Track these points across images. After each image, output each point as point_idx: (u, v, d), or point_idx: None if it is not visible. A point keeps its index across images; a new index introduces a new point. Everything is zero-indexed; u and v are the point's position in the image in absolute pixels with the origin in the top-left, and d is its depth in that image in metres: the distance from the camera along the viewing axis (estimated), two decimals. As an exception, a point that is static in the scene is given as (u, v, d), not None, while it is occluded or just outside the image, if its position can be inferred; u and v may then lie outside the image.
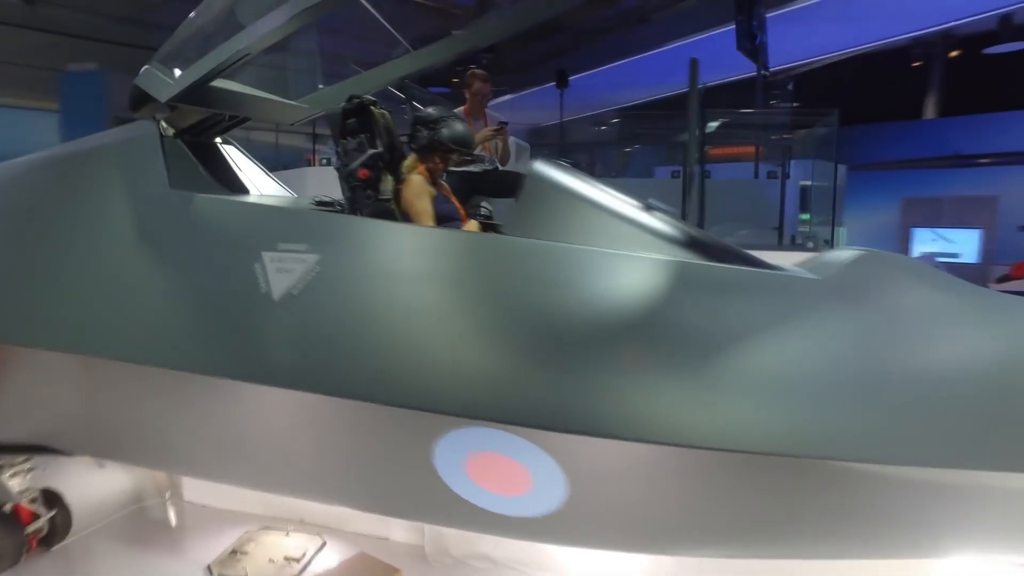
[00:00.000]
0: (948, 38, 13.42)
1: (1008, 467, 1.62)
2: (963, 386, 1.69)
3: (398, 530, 3.52)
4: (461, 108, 4.09)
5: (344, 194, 2.29)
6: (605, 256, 1.78)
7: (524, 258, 1.80)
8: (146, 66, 2.36)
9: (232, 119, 2.54)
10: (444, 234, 2.00)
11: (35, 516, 3.25)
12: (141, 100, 2.43)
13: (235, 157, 2.72)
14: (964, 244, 14.36)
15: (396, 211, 2.25)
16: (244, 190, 2.55)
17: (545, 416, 1.73)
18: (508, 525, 2.04)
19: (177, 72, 2.27)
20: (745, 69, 12.09)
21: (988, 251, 13.88)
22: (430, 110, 2.37)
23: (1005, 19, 11.13)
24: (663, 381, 1.71)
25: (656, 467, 1.82)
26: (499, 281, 1.82)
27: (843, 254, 1.99)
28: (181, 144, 2.36)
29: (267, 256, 1.90)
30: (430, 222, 2.23)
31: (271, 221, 2.02)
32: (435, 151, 2.31)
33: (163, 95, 2.20)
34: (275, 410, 2.09)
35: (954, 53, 14.25)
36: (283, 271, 1.88)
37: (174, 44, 2.32)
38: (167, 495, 3.89)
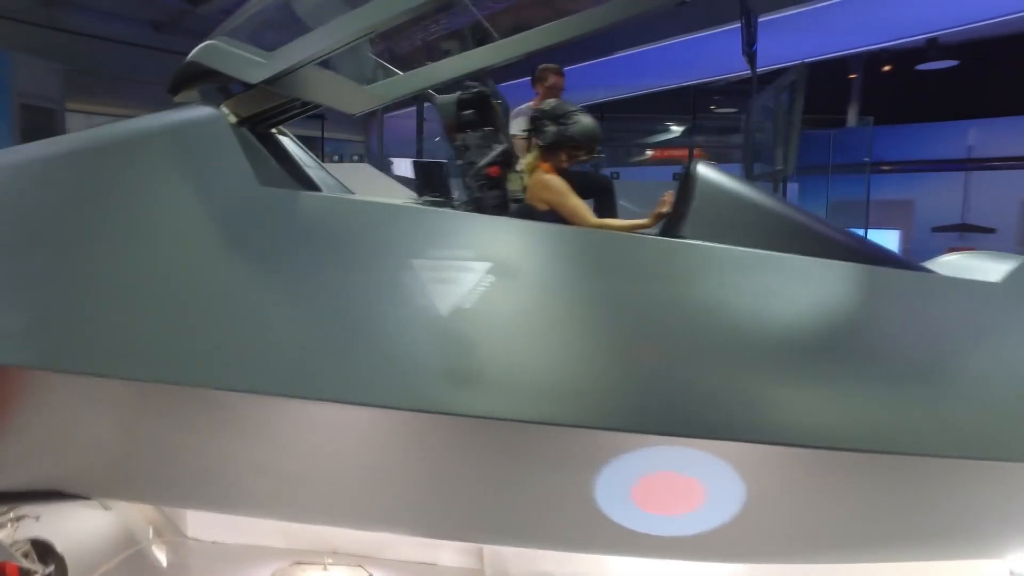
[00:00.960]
0: (882, 54, 14.32)
1: None
2: None
3: (447, 553, 3.24)
4: (530, 103, 3.83)
5: (469, 192, 2.05)
6: (792, 262, 1.66)
7: (719, 265, 1.67)
8: (210, 41, 2.03)
9: (303, 106, 2.24)
10: (641, 240, 1.82)
11: (27, 573, 2.77)
12: (186, 81, 2.11)
13: (292, 149, 2.42)
14: (885, 245, 15.50)
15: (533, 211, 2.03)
16: (314, 186, 2.26)
17: (744, 428, 1.58)
18: (668, 546, 1.88)
19: (250, 48, 1.95)
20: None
21: (906, 251, 14.97)
22: (551, 102, 2.17)
23: (932, 40, 12.06)
24: (863, 389, 1.61)
25: (840, 471, 1.71)
26: (696, 290, 1.67)
27: (994, 259, 1.97)
28: (248, 134, 2.05)
29: (420, 264, 1.63)
30: (592, 217, 2.04)
31: (416, 224, 1.75)
32: (563, 147, 2.11)
33: (253, 76, 1.88)
34: (421, 440, 1.81)
35: (886, 68, 15.25)
36: (446, 281, 1.62)
37: (251, 17, 2.00)
38: (163, 535, 3.44)
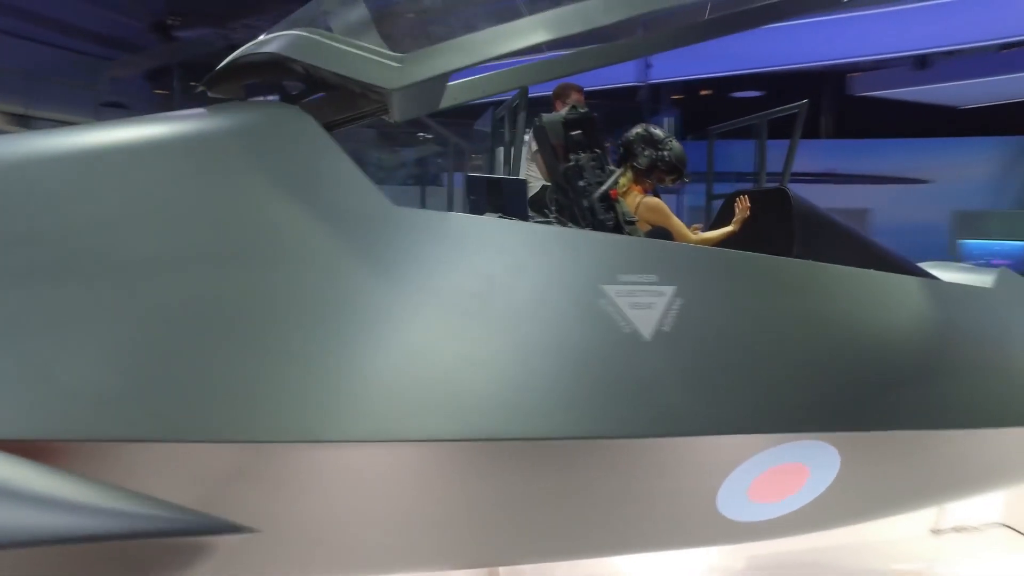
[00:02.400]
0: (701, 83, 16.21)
1: None
2: None
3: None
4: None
5: (585, 215, 2.04)
6: (891, 279, 1.95)
7: (839, 283, 1.89)
8: (301, 33, 1.82)
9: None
10: (794, 264, 1.99)
11: None
12: (230, 75, 1.90)
13: None
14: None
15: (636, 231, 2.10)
16: None
17: (865, 419, 1.83)
18: (771, 526, 2.08)
19: (365, 47, 1.77)
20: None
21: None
22: (641, 128, 2.25)
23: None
24: (930, 379, 1.96)
25: (909, 441, 2.04)
26: (830, 307, 1.88)
27: (976, 270, 2.45)
28: (335, 142, 1.88)
29: (611, 290, 1.63)
30: (690, 233, 2.14)
31: (580, 246, 1.73)
32: (656, 171, 2.20)
33: (390, 80, 1.69)
34: (626, 464, 1.79)
35: (704, 92, 17.26)
36: (640, 306, 1.63)
37: (377, 8, 1.82)
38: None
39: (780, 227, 2.17)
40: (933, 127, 17.23)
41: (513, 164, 2.53)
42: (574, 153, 2.11)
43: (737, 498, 1.96)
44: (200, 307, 1.57)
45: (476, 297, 1.64)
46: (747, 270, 1.83)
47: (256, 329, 1.56)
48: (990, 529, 4.19)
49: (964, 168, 19.10)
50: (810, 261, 1.97)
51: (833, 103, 15.97)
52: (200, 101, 2.19)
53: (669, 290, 1.67)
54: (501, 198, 2.17)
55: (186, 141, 1.80)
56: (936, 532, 4.07)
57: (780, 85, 14.76)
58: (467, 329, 1.61)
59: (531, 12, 1.72)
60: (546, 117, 2.30)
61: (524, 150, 3.15)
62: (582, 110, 2.16)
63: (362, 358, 1.57)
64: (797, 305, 1.86)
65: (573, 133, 2.13)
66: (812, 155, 16.49)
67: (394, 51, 1.74)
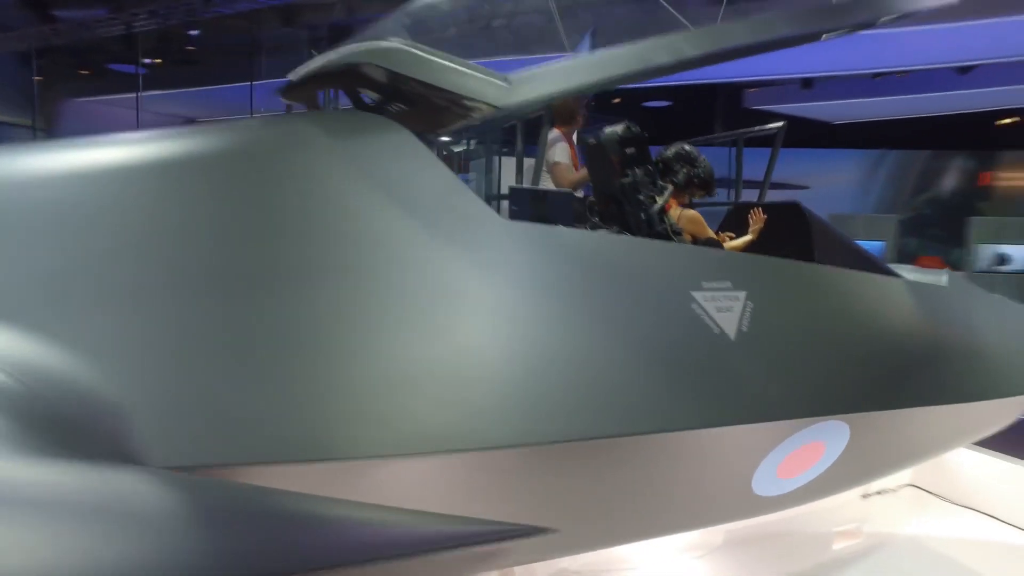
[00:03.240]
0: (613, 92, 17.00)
1: None
2: None
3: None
4: (558, 132, 3.80)
5: (642, 226, 2.25)
6: (913, 285, 2.34)
7: (875, 292, 2.24)
8: (397, 46, 1.90)
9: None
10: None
11: None
12: (309, 82, 1.97)
13: None
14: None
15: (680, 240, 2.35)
16: None
17: (892, 398, 2.19)
18: (790, 498, 2.40)
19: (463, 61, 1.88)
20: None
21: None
22: (676, 147, 2.48)
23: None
24: (933, 360, 2.36)
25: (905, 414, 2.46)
26: (849, 306, 2.23)
27: (933, 275, 2.92)
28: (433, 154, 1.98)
29: (700, 296, 1.85)
30: (724, 245, 2.40)
31: (674, 260, 1.94)
32: (691, 186, 2.44)
33: (501, 99, 1.80)
34: (700, 451, 2.01)
35: (616, 100, 18.10)
36: (724, 310, 1.86)
37: (447, 22, 1.94)
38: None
39: (795, 236, 2.52)
40: (812, 139, 18.98)
41: (535, 175, 2.70)
42: (629, 169, 2.31)
43: (769, 477, 2.26)
44: (337, 316, 1.62)
45: (575, 300, 1.80)
46: (794, 276, 2.13)
47: (389, 339, 1.64)
48: (903, 490, 4.88)
49: (836, 176, 21.26)
50: (833, 267, 2.32)
51: (730, 114, 17.25)
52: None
53: (742, 295, 1.92)
54: (545, 209, 2.34)
55: (294, 150, 1.82)
56: (865, 496, 4.67)
57: (687, 96, 15.84)
58: (578, 335, 1.76)
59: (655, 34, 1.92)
60: (604, 135, 2.49)
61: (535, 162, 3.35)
62: (635, 130, 2.36)
63: (498, 361, 1.70)
64: (826, 305, 2.19)
65: (628, 150, 2.34)
66: (712, 160, 17.78)
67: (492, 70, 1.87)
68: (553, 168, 3.45)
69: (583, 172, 3.41)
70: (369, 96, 2.24)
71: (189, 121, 18.92)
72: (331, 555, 1.02)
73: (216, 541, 0.95)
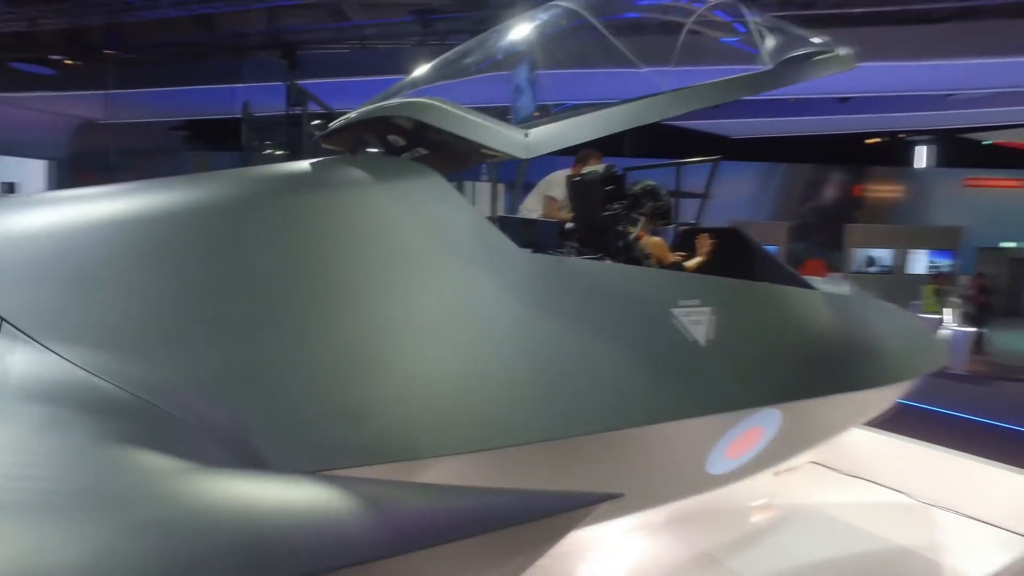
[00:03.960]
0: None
1: None
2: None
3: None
4: (561, 172, 4.01)
5: (620, 251, 2.64)
6: (829, 297, 2.87)
7: (801, 303, 2.75)
8: (430, 102, 2.20)
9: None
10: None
11: None
12: (344, 130, 2.24)
13: None
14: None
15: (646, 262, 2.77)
16: None
17: (814, 387, 2.72)
18: (735, 475, 2.89)
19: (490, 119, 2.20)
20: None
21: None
22: (644, 183, 2.89)
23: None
24: (844, 356, 2.91)
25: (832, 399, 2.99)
26: (785, 316, 2.74)
27: (837, 284, 3.50)
28: (460, 194, 2.30)
29: (677, 312, 2.26)
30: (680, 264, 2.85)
31: (656, 283, 2.34)
32: (654, 217, 2.86)
33: (521, 151, 2.12)
34: (670, 438, 2.40)
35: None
36: (696, 323, 2.28)
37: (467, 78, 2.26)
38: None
39: (737, 258, 3.01)
40: (713, 152, 20.38)
41: (514, 205, 3.06)
42: (609, 204, 2.71)
43: (719, 458, 2.72)
44: (391, 332, 1.89)
45: (581, 318, 2.16)
46: (745, 293, 2.61)
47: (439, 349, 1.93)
48: (805, 466, 5.60)
49: (734, 186, 22.97)
50: (770, 284, 2.82)
51: (648, 129, 18.33)
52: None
53: (709, 310, 2.36)
54: (533, 236, 2.70)
55: (353, 189, 2.10)
56: (776, 474, 5.35)
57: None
58: (580, 342, 2.12)
59: (640, 96, 2.33)
60: (588, 175, 2.87)
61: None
62: (613, 170, 2.76)
63: (519, 370, 1.99)
64: (767, 315, 2.68)
65: (608, 188, 2.73)
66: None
67: (513, 122, 2.21)
68: (548, 202, 3.77)
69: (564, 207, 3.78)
70: (396, 141, 2.51)
71: (89, 122, 17.72)
72: (451, 530, 1.30)
73: (361, 523, 1.23)
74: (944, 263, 18.49)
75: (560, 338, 2.07)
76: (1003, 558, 3.44)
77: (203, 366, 1.58)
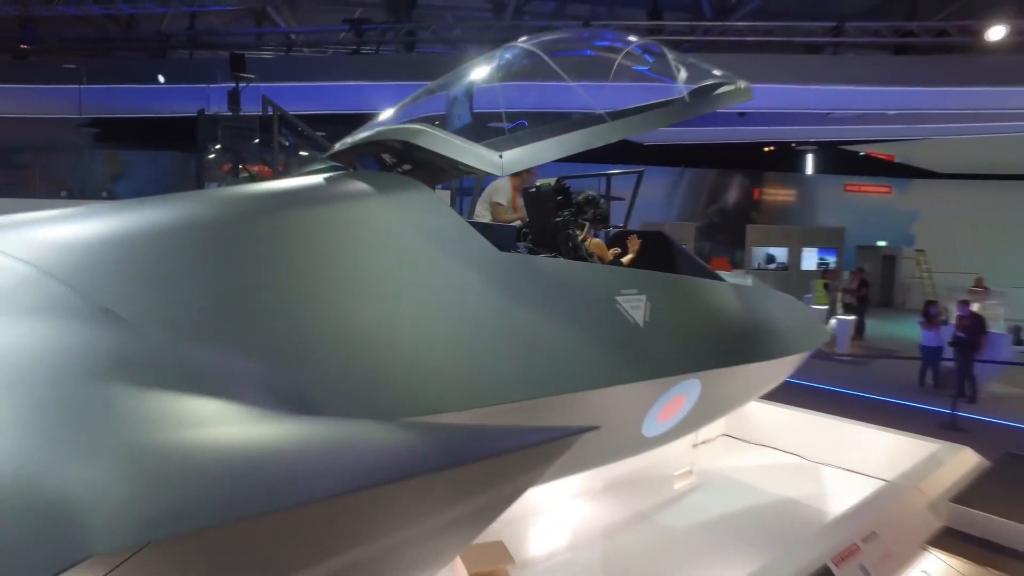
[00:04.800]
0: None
1: None
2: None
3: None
4: (501, 180, 4.29)
5: (569, 251, 3.12)
6: (735, 287, 3.47)
7: (713, 292, 3.33)
8: (423, 128, 2.62)
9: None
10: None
11: None
12: (348, 149, 2.64)
13: None
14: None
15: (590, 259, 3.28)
16: None
17: (725, 359, 3.33)
18: (664, 437, 3.46)
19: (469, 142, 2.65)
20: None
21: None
22: (587, 193, 3.39)
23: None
24: (748, 332, 3.55)
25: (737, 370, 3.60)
26: (703, 303, 3.30)
27: (741, 278, 4.16)
28: (447, 204, 2.73)
29: (620, 299, 2.78)
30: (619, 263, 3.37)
31: (602, 276, 2.84)
32: (595, 221, 3.36)
33: (495, 169, 2.57)
34: (621, 400, 2.89)
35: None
36: (635, 308, 2.81)
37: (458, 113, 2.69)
38: None
39: (661, 256, 3.59)
40: (629, 156, 21.49)
41: (470, 211, 3.51)
42: (560, 211, 3.20)
43: (652, 422, 3.27)
44: (395, 311, 2.30)
45: (547, 305, 2.65)
46: (671, 284, 3.17)
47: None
48: (719, 439, 6.36)
49: (646, 189, 24.27)
50: (692, 277, 3.41)
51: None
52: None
53: (644, 297, 2.90)
54: (496, 238, 3.15)
55: (363, 200, 2.50)
56: (694, 445, 6.06)
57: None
58: (547, 324, 2.60)
59: (590, 124, 2.82)
60: (541, 186, 3.35)
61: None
62: (563, 183, 3.25)
63: (498, 339, 2.47)
64: (688, 301, 3.26)
65: (559, 198, 3.22)
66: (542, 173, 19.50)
67: (489, 144, 2.66)
68: (495, 207, 4.20)
69: (517, 213, 4.23)
70: (388, 159, 2.90)
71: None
72: (453, 458, 1.69)
73: (395, 447, 1.64)
74: (831, 260, 20.45)
75: (528, 320, 2.55)
76: (861, 496, 4.22)
77: (256, 341, 1.93)
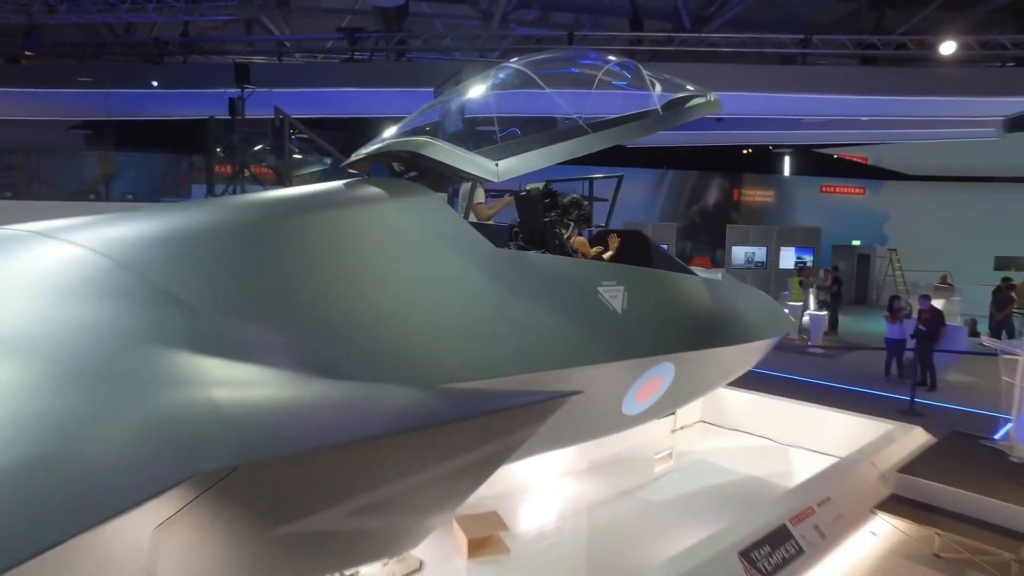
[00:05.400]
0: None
1: None
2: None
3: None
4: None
5: (556, 249, 3.49)
6: (706, 280, 3.86)
7: (685, 284, 3.71)
8: (430, 140, 2.99)
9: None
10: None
11: None
12: (371, 158, 3.00)
13: None
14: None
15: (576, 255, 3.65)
16: None
17: (696, 343, 3.72)
18: (643, 416, 3.84)
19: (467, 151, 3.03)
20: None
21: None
22: (572, 196, 3.76)
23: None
24: (718, 320, 3.94)
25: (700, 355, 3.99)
26: (690, 295, 3.67)
27: (712, 273, 4.56)
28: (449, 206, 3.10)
29: (601, 290, 3.15)
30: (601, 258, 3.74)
31: (586, 270, 3.21)
32: (579, 222, 3.73)
33: (490, 175, 2.94)
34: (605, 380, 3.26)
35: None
36: (614, 297, 3.18)
37: (454, 125, 3.06)
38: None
39: (639, 252, 3.97)
40: (613, 157, 21.91)
41: (465, 213, 3.87)
42: (547, 212, 3.56)
43: (631, 402, 3.64)
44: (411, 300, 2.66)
45: (538, 294, 3.02)
46: (647, 277, 3.55)
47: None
48: (696, 425, 6.77)
49: (628, 191, 24.70)
50: (666, 271, 3.79)
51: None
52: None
53: (622, 288, 3.28)
54: (491, 236, 3.52)
55: (378, 203, 2.88)
56: (673, 431, 6.46)
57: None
58: (537, 310, 2.97)
59: (574, 136, 3.19)
60: (531, 190, 3.72)
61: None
62: (551, 187, 3.62)
63: (495, 322, 2.84)
64: (663, 292, 3.65)
65: (547, 200, 3.59)
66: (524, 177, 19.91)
67: (487, 153, 3.02)
68: (476, 206, 4.56)
69: (492, 209, 4.61)
70: (397, 167, 3.27)
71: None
72: (459, 412, 2.03)
73: (413, 403, 2.01)
74: (808, 259, 21.04)
75: (521, 306, 2.91)
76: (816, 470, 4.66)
77: (293, 321, 2.28)
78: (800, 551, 3.58)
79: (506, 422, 2.16)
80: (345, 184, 2.96)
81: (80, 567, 1.42)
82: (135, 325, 1.91)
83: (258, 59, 14.74)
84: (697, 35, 13.84)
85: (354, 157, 3.32)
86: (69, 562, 1.36)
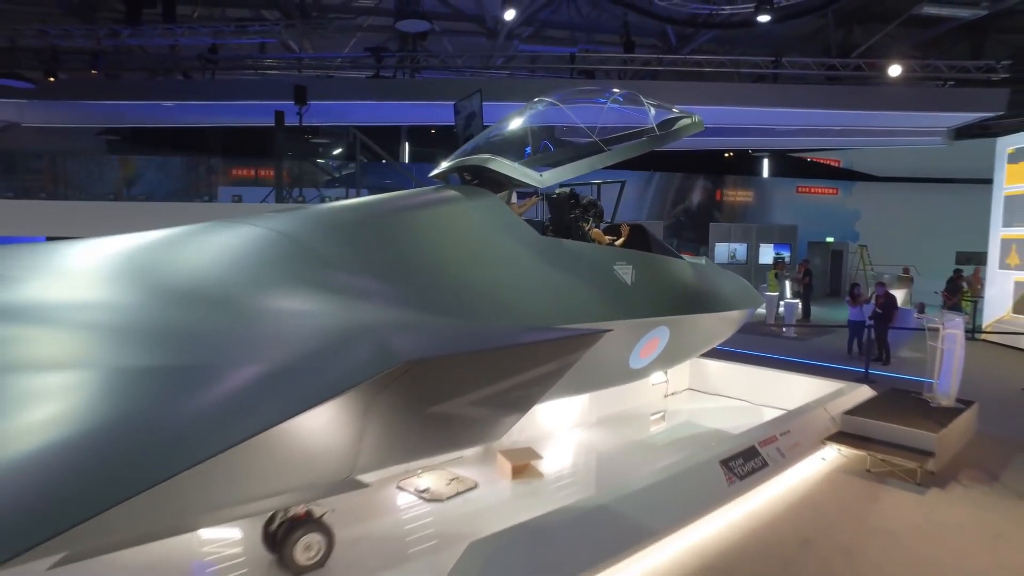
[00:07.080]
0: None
1: None
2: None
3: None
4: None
5: (579, 239, 4.52)
6: (692, 263, 4.92)
7: (677, 265, 4.77)
8: (494, 157, 4.03)
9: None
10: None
11: None
12: (451, 171, 4.05)
13: None
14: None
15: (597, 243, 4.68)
16: None
17: (686, 309, 4.77)
18: (644, 370, 4.89)
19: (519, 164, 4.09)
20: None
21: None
22: (588, 198, 4.80)
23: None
24: (701, 293, 5.00)
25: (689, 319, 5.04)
26: (671, 273, 4.72)
27: (697, 258, 5.61)
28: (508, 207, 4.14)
29: (616, 268, 4.19)
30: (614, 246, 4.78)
31: (604, 253, 4.25)
32: (596, 219, 4.76)
33: (540, 184, 3.98)
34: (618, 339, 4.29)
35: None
36: (625, 274, 4.22)
37: (510, 143, 4.11)
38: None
39: (641, 241, 5.03)
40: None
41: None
42: (573, 211, 4.61)
43: (636, 356, 4.67)
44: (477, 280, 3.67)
45: (570, 269, 4.05)
46: (648, 259, 4.59)
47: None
48: (684, 392, 7.82)
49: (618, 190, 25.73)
50: (662, 256, 4.82)
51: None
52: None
53: (631, 267, 4.32)
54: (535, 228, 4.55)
55: (457, 203, 3.88)
56: (666, 396, 7.51)
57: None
58: (570, 280, 4.00)
59: (595, 151, 4.22)
60: (559, 194, 4.77)
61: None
62: (576, 191, 4.67)
63: (542, 289, 3.86)
64: (660, 271, 4.68)
65: (572, 202, 4.63)
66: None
67: (532, 166, 4.07)
68: (511, 206, 5.64)
69: (522, 208, 5.65)
70: (466, 176, 4.34)
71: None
72: (524, 337, 3.10)
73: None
74: (786, 255, 22.21)
75: (559, 278, 3.97)
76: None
77: (409, 283, 3.31)
78: (766, 464, 4.64)
79: (564, 345, 3.21)
80: (434, 189, 4.00)
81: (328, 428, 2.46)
82: (296, 271, 2.97)
83: (289, 72, 15.67)
84: (682, 56, 15.13)
85: (437, 170, 4.37)
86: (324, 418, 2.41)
